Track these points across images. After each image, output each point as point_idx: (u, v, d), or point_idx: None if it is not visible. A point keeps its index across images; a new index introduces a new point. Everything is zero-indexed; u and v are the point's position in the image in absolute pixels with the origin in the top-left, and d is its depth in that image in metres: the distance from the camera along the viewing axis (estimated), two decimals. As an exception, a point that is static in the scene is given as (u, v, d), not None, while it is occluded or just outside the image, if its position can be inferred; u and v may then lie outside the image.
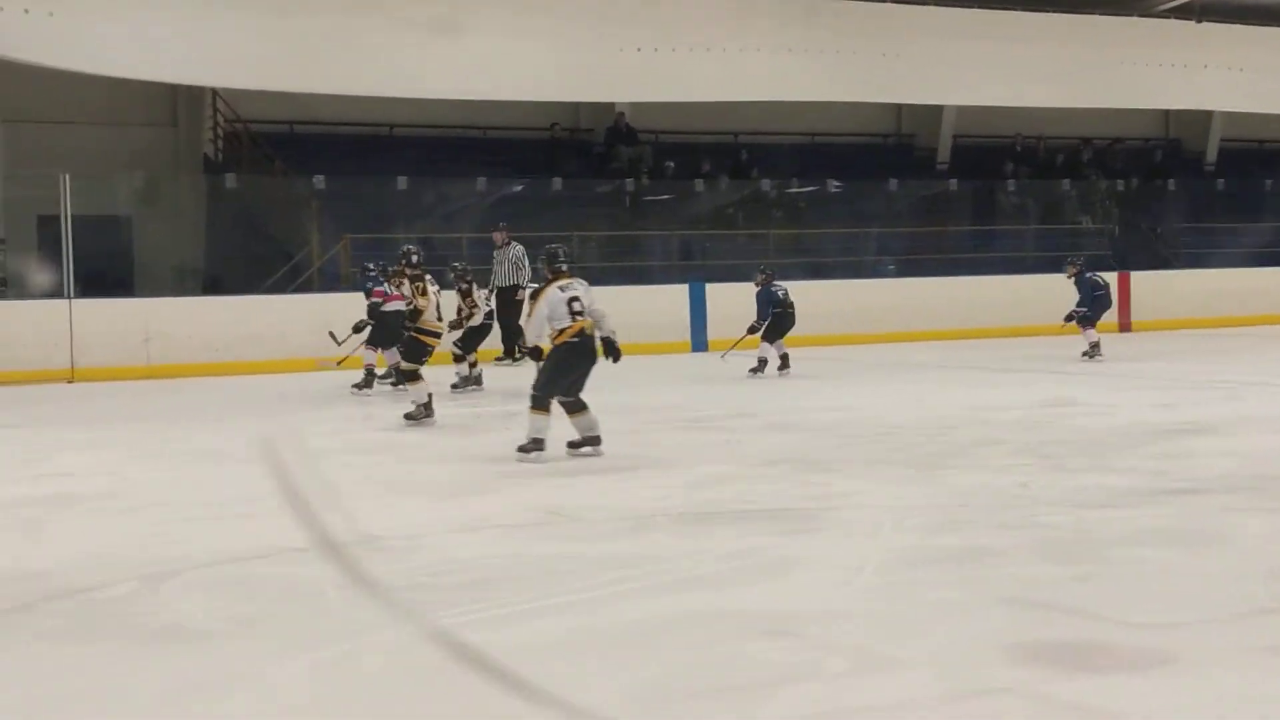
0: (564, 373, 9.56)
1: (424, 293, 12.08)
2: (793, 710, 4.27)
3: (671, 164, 23.27)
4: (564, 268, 9.79)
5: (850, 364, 17.48)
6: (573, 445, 9.58)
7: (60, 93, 19.43)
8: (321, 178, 19.92)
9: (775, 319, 16.20)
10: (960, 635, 5.01)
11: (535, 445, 9.35)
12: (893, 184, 24.07)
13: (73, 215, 16.89)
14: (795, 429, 11.03)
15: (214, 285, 19.71)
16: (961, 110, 25.76)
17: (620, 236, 22.26)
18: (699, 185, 22.92)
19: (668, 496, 8.01)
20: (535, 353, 9.83)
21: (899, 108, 26.22)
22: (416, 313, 12.10)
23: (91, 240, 17.33)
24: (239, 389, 15.38)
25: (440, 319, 12.56)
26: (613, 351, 9.90)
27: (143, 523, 7.51)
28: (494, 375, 15.84)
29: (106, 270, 18.81)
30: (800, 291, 19.27)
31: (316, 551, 6.65)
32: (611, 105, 23.32)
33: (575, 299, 9.56)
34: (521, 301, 17.26)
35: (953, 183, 25.00)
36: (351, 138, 21.90)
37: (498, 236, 18.14)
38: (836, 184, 23.36)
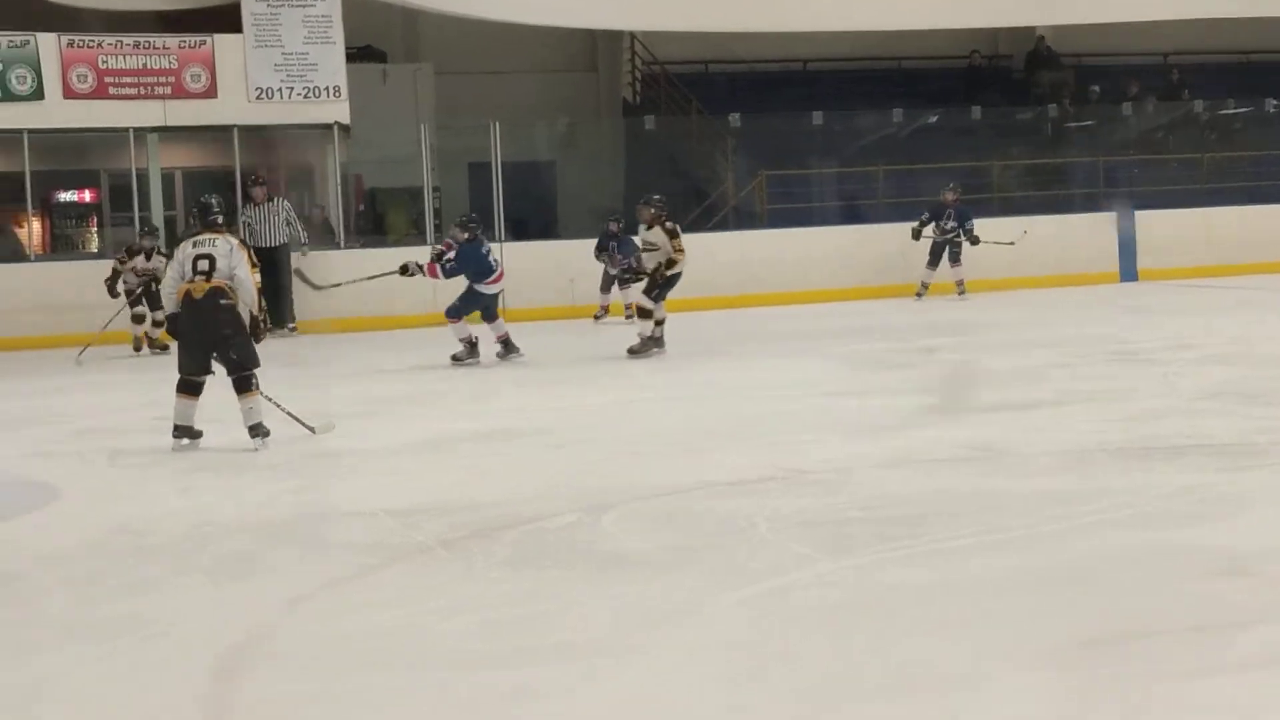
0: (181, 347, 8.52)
1: None
2: (1257, 653, 4.05)
3: (1096, 88, 22.39)
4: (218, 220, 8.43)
5: (1294, 292, 16.45)
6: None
7: (488, 43, 20.18)
8: (737, 115, 20.02)
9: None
10: None
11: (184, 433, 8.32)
12: (1338, 100, 22.49)
13: (502, 161, 17.51)
14: (1238, 361, 10.46)
15: (632, 226, 20.13)
16: None
17: (1042, 165, 21.57)
18: (1126, 109, 21.97)
19: (1104, 431, 7.72)
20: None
21: (1345, 19, 24.46)
22: None
23: (518, 185, 17.94)
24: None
25: None
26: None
27: (580, 457, 7.74)
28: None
29: (532, 214, 19.46)
30: (1237, 217, 18.36)
31: (747, 485, 6.71)
32: (1031, 29, 22.59)
33: (201, 257, 8.23)
34: (287, 261, 15.89)
35: (1407, 97, 23.14)
36: (765, 75, 21.93)
37: (258, 193, 16.15)
38: (1275, 103, 21.96)
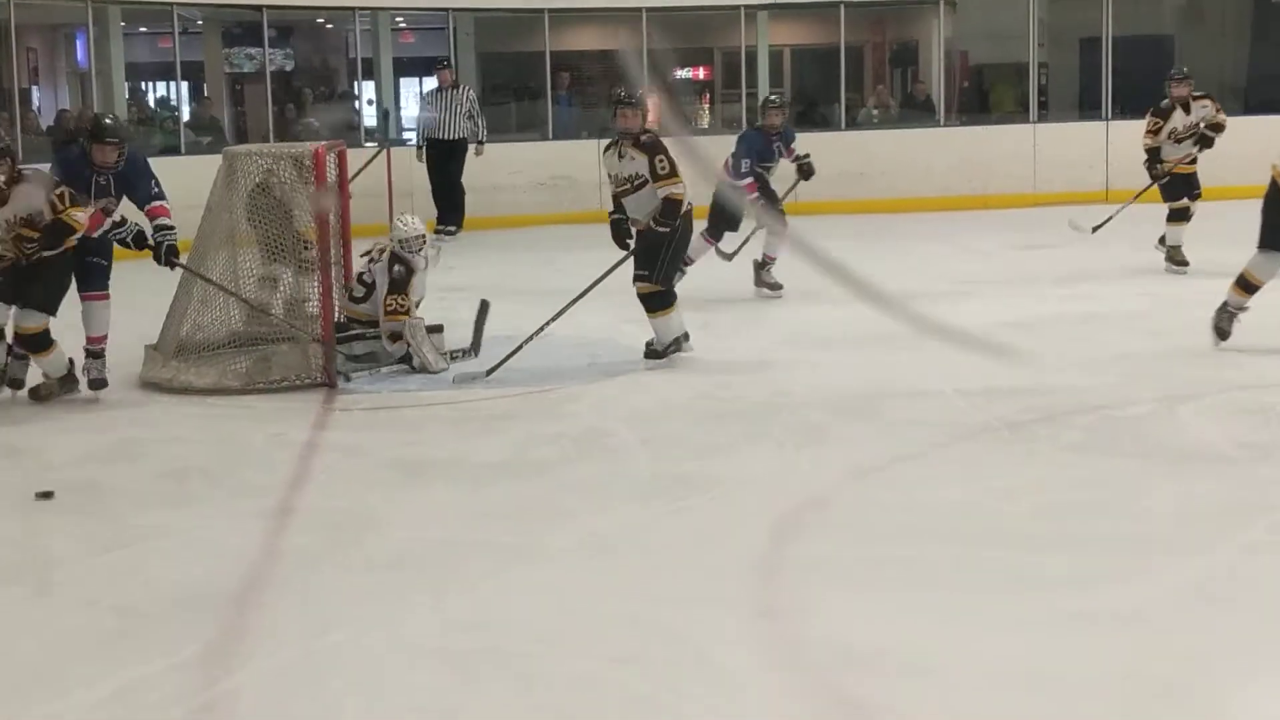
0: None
1: None
2: None
3: None
4: None
5: None
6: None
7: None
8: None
9: None
10: None
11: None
12: None
13: (1113, 36, 16.81)
14: None
15: (1258, 104, 18.91)
16: None
17: None
18: None
19: None
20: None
21: None
22: None
23: (1131, 61, 17.18)
24: None
25: None
26: None
27: (1168, 345, 7.40)
28: None
29: (1145, 92, 18.58)
30: None
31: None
32: None
33: None
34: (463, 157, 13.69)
35: None
36: None
37: (444, 75, 13.99)
38: None
